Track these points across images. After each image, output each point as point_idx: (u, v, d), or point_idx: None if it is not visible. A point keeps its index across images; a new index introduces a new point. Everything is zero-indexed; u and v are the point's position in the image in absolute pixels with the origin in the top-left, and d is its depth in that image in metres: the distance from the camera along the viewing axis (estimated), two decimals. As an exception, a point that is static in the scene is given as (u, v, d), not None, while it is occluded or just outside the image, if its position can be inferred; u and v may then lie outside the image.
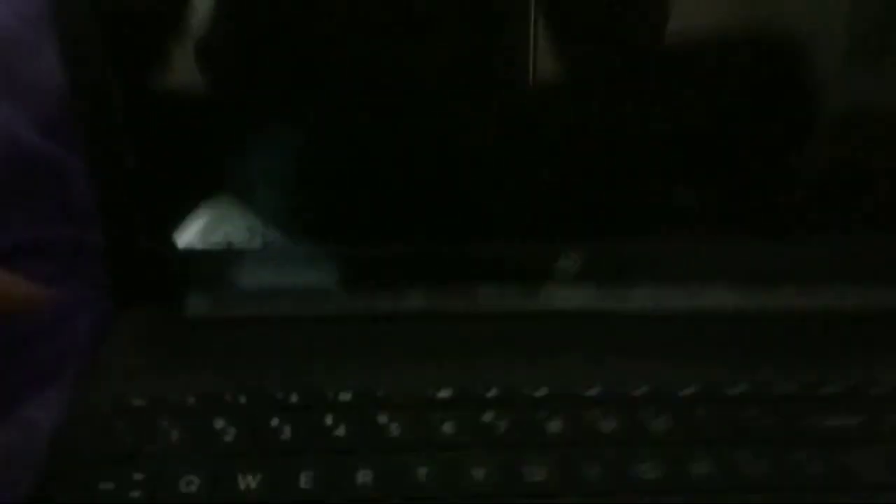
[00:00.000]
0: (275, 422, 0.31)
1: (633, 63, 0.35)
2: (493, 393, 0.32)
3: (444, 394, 0.32)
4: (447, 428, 0.31)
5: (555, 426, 0.31)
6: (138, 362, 0.34)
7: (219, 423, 0.31)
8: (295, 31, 0.34)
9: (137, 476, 0.29)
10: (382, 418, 0.31)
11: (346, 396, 0.32)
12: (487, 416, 0.31)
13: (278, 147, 0.35)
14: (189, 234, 0.35)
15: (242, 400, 0.32)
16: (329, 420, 0.31)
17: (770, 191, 0.37)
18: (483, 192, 0.37)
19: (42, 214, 0.36)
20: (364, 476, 0.29)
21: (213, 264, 0.36)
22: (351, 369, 0.33)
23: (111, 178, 0.35)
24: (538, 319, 0.37)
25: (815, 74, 0.36)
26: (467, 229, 0.37)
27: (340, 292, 0.37)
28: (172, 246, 0.36)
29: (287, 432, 0.31)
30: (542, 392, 0.32)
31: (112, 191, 0.35)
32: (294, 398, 0.32)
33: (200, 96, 0.35)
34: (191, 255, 0.36)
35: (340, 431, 0.31)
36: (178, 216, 0.36)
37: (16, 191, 0.35)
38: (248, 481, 0.29)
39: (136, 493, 0.28)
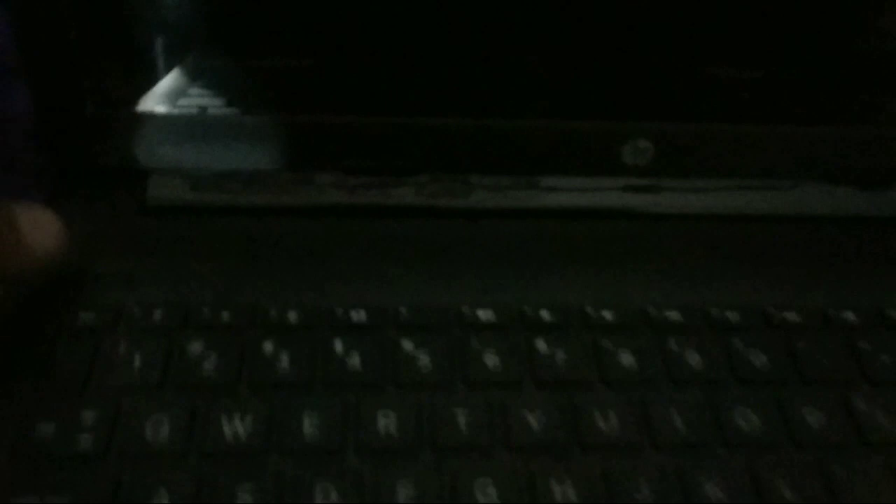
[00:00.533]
0: (267, 347, 0.24)
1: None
2: (544, 315, 0.25)
3: (483, 316, 0.25)
4: (490, 359, 0.24)
5: (626, 359, 0.24)
6: (95, 269, 0.26)
7: (195, 347, 0.24)
8: None
9: (88, 415, 0.22)
10: (407, 344, 0.24)
11: (358, 316, 0.25)
12: (537, 344, 0.25)
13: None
14: (148, 98, 0.27)
15: (226, 317, 0.25)
16: (339, 346, 0.24)
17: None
18: (538, 62, 0.28)
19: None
20: (385, 419, 0.23)
21: (178, 135, 0.28)
22: (357, 279, 0.26)
23: (44, 20, 0.26)
24: (599, 219, 0.29)
25: None
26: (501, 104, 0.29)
27: (339, 177, 0.29)
28: (129, 112, 0.27)
29: (284, 360, 0.24)
30: (608, 314, 0.25)
31: (44, 38, 0.26)
32: (292, 317, 0.25)
33: None
34: (151, 122, 0.28)
35: (354, 361, 0.24)
36: (133, 73, 0.27)
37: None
38: (236, 425, 0.22)
39: (85, 439, 0.22)
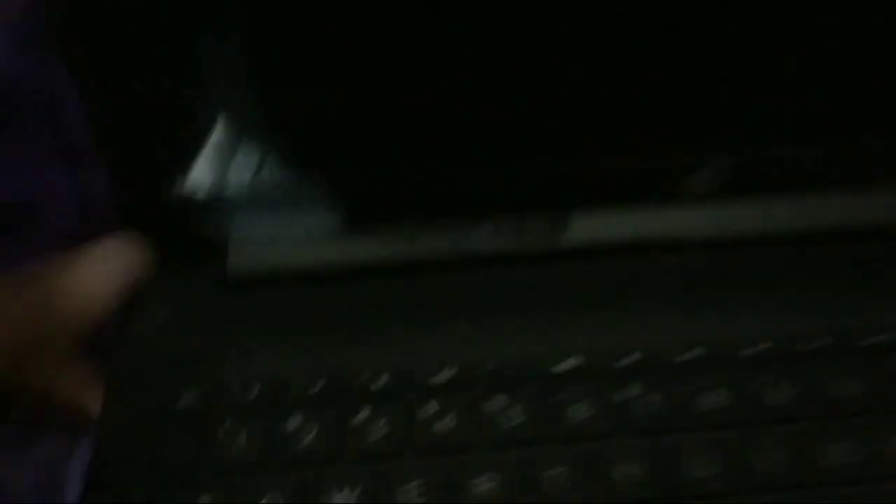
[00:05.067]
0: (362, 414, 0.25)
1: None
2: (628, 360, 0.26)
3: (567, 364, 0.26)
4: (577, 411, 0.25)
5: (711, 398, 0.25)
6: (186, 349, 0.27)
7: (294, 421, 0.25)
8: None
9: (205, 500, 0.23)
10: (499, 401, 0.25)
11: (447, 375, 0.25)
12: (625, 393, 0.25)
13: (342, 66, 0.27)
14: (223, 176, 0.28)
15: (319, 387, 0.25)
16: (430, 409, 0.25)
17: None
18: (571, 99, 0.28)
19: (34, 160, 0.28)
20: (483, 480, 0.23)
21: (253, 208, 0.29)
22: (443, 335, 0.27)
23: (118, 103, 0.27)
24: (664, 253, 0.30)
25: None
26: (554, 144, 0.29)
27: (418, 231, 0.29)
28: (208, 191, 0.28)
29: (379, 428, 0.24)
30: (691, 355, 0.26)
31: (120, 120, 0.27)
32: (383, 381, 0.25)
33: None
34: (228, 199, 0.28)
35: (448, 423, 0.24)
36: (207, 154, 0.28)
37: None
38: (346, 495, 0.23)
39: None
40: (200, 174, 0.28)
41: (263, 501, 0.23)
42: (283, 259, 0.29)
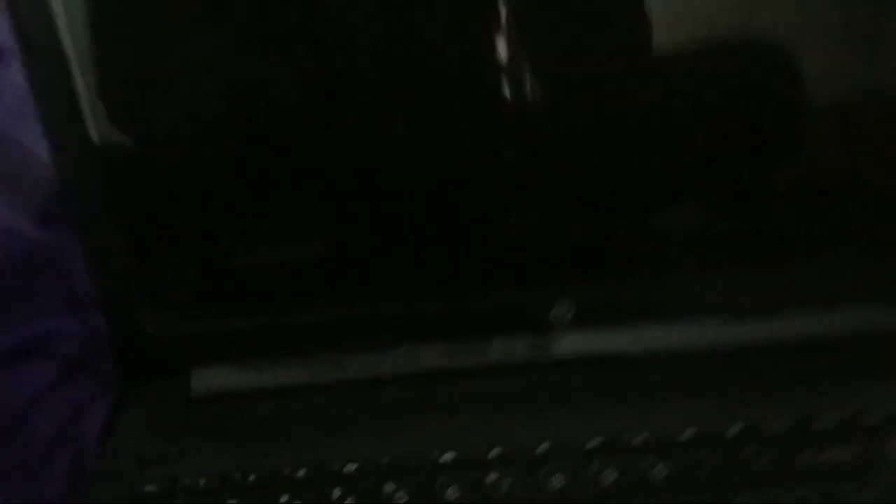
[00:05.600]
0: (285, 498, 0.32)
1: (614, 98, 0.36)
2: (494, 453, 0.33)
3: (446, 457, 0.33)
4: (452, 493, 0.32)
5: (557, 481, 0.32)
6: (154, 449, 0.34)
7: (232, 504, 0.32)
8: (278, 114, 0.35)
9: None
10: (389, 487, 0.32)
11: (351, 467, 0.33)
12: (491, 478, 0.32)
13: (274, 223, 0.36)
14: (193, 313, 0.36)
15: (252, 479, 0.33)
16: (336, 493, 0.32)
17: (750, 219, 0.38)
18: (465, 241, 0.37)
19: (45, 307, 0.37)
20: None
21: (216, 341, 0.37)
22: (353, 437, 0.34)
23: (111, 263, 0.36)
24: (533, 370, 0.37)
25: (798, 91, 0.36)
26: (450, 283, 0.37)
27: (336, 356, 0.37)
28: (179, 324, 0.37)
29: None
30: (543, 448, 0.33)
31: (110, 275, 0.36)
32: (302, 473, 0.33)
33: (191, 179, 0.35)
34: (196, 333, 0.37)
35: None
36: (178, 295, 0.37)
37: (17, 286, 0.37)
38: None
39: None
40: (170, 317, 0.36)
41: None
42: (237, 380, 0.37)
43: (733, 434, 0.33)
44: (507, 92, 0.35)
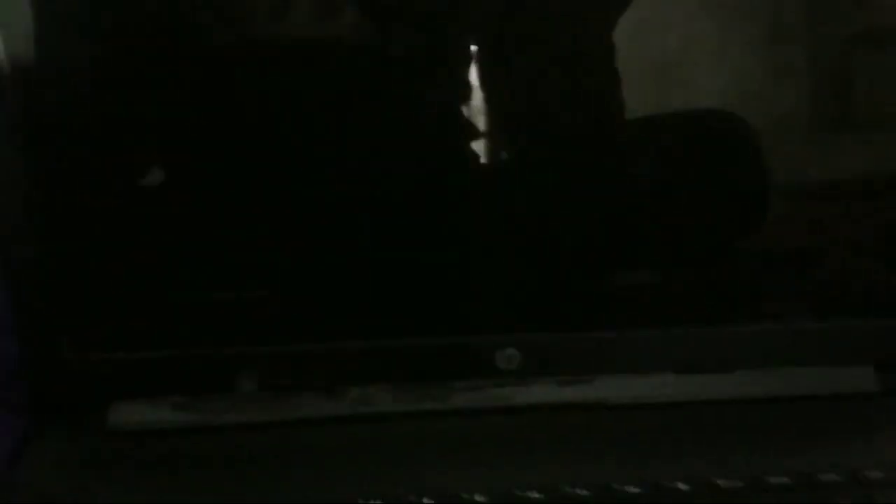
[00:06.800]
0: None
1: (573, 154, 0.35)
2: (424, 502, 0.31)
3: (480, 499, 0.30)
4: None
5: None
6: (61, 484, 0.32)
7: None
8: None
9: None
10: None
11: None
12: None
13: (210, 254, 0.35)
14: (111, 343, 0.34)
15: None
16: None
17: (718, 275, 0.37)
18: (423, 287, 0.36)
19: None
20: None
21: (137, 373, 0.35)
22: (280, 480, 0.32)
23: (27, 282, 0.34)
24: (480, 417, 0.35)
25: (759, 158, 0.36)
26: (397, 324, 0.36)
27: (268, 395, 0.35)
28: (97, 354, 0.34)
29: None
30: (481, 499, 0.31)
31: (30, 296, 0.34)
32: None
33: (120, 202, 0.34)
34: (115, 363, 0.34)
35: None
36: (100, 322, 0.34)
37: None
38: None
39: None
40: (89, 344, 0.34)
41: None
42: (157, 416, 0.35)
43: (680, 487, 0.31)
44: (469, 149, 0.35)
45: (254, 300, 0.35)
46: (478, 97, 0.34)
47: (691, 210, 0.36)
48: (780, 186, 0.36)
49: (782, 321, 0.37)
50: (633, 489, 0.31)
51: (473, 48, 0.34)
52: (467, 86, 0.34)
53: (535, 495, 0.31)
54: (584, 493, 0.31)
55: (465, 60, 0.34)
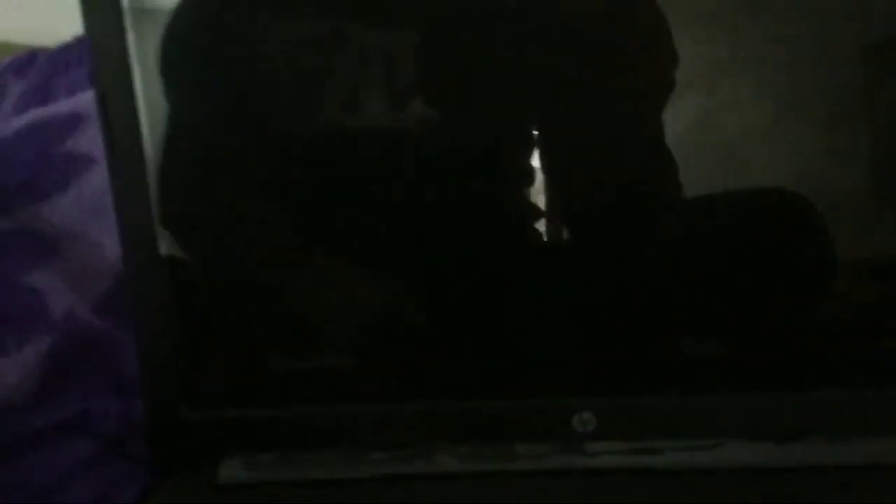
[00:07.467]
0: None
1: (643, 226, 0.38)
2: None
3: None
4: None
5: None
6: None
7: None
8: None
9: None
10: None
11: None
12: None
13: (310, 327, 0.39)
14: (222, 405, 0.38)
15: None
16: None
17: (789, 344, 0.39)
18: (496, 351, 0.39)
19: (95, 388, 0.39)
20: None
21: (250, 431, 0.39)
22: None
23: (152, 352, 0.38)
24: (554, 478, 0.37)
25: (823, 229, 0.38)
26: (476, 386, 0.38)
27: (370, 453, 0.38)
28: (212, 414, 0.38)
29: None
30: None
31: (154, 364, 0.38)
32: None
33: (230, 285, 0.38)
34: (229, 422, 0.38)
35: None
36: (212, 385, 0.39)
37: (72, 366, 0.39)
38: None
39: None
40: (203, 405, 0.38)
41: None
42: (262, 471, 0.38)
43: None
44: (538, 225, 0.38)
45: (345, 366, 0.39)
46: (539, 179, 0.38)
47: (757, 283, 0.38)
48: (844, 260, 0.38)
49: (850, 389, 0.38)
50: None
51: (534, 133, 0.38)
52: (529, 169, 0.38)
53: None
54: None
55: (527, 145, 0.37)
